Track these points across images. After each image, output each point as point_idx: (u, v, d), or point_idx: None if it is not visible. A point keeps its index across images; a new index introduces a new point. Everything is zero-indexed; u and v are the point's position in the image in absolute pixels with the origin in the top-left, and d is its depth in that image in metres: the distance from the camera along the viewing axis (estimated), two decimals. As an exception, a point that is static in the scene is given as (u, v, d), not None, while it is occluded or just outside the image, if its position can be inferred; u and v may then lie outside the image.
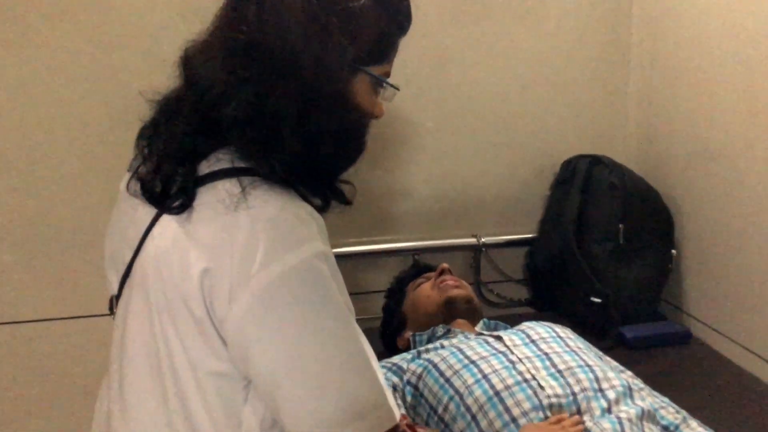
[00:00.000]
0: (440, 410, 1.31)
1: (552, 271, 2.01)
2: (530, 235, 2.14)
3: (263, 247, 0.84)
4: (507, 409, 1.22)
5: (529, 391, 1.24)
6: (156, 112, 0.99)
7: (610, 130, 2.18)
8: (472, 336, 1.48)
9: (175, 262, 0.89)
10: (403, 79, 1.99)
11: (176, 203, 0.90)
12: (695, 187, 1.91)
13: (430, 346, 1.48)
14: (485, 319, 1.61)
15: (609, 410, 1.21)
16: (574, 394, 1.23)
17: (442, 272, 1.70)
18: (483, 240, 2.13)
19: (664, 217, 1.96)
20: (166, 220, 0.92)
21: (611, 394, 1.24)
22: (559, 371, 1.28)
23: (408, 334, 1.66)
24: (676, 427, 1.34)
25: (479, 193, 2.15)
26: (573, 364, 1.30)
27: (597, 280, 1.89)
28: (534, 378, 1.26)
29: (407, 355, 1.48)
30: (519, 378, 1.26)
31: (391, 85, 1.03)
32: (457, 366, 1.33)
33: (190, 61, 0.96)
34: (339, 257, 2.01)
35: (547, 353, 1.33)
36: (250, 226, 0.85)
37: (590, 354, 1.36)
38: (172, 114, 0.96)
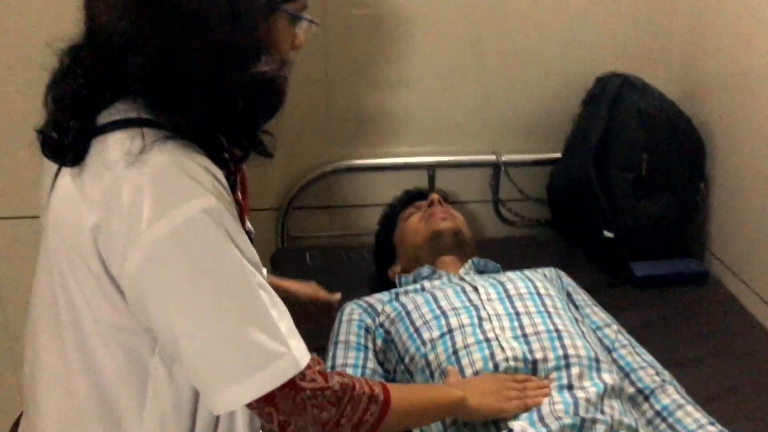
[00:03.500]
0: (407, 360, 1.29)
1: (570, 197, 1.92)
2: (555, 155, 2.03)
3: (149, 202, 0.83)
4: (461, 369, 1.19)
5: (487, 352, 1.20)
6: (59, 62, 0.94)
7: (653, 45, 1.99)
8: (456, 279, 1.44)
9: (69, 217, 0.89)
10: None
11: (69, 156, 0.89)
12: (733, 118, 1.75)
13: (410, 288, 1.45)
14: (474, 259, 1.55)
15: (569, 386, 1.17)
16: (534, 362, 1.19)
17: (432, 203, 1.64)
18: (504, 158, 2.03)
19: (694, 148, 1.82)
20: (63, 173, 0.91)
21: (575, 369, 1.18)
22: (525, 335, 1.23)
23: (397, 268, 1.63)
24: (652, 391, 1.29)
25: (502, 107, 2.03)
26: (542, 328, 1.25)
27: (612, 212, 1.79)
28: (497, 338, 1.22)
29: (384, 297, 1.45)
30: (481, 337, 1.23)
31: (310, 20, 0.97)
32: (428, 316, 1.30)
33: (91, 6, 0.89)
34: (352, 169, 2.01)
35: (519, 312, 1.28)
36: (136, 180, 0.84)
37: (565, 316, 1.30)
38: (72, 64, 0.92)
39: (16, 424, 1.11)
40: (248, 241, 0.92)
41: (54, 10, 1.80)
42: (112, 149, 0.86)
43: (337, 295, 1.48)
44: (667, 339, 1.60)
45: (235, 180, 1.01)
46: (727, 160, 1.78)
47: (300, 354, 0.89)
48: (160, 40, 0.85)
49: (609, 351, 1.37)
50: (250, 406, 0.89)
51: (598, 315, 1.45)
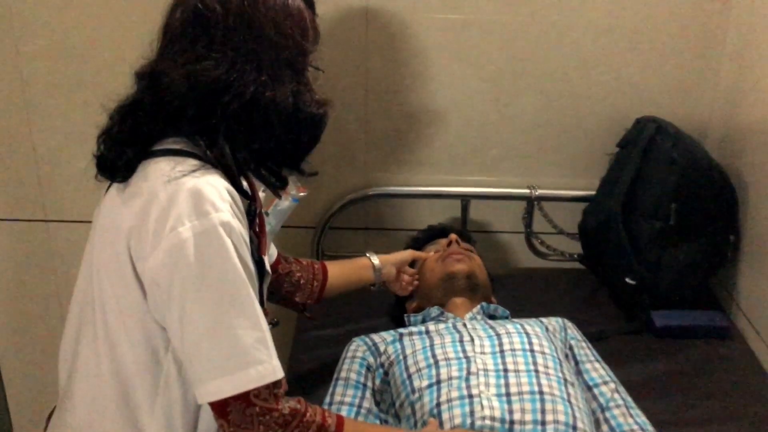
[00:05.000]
0: (397, 404, 1.35)
1: (598, 238, 1.92)
2: (590, 192, 2.02)
3: (175, 212, 0.99)
4: (442, 423, 1.24)
5: (467, 408, 1.24)
6: (112, 117, 1.12)
7: (696, 89, 1.95)
8: (459, 325, 1.48)
9: (111, 222, 1.07)
10: (466, 18, 1.89)
11: (119, 174, 1.07)
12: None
13: (414, 329, 1.50)
14: (484, 304, 1.59)
15: None
16: (512, 422, 1.22)
17: (450, 243, 1.68)
18: (538, 193, 2.04)
19: (727, 200, 1.78)
20: (111, 188, 1.11)
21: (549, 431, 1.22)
22: (509, 393, 1.27)
23: (414, 304, 1.68)
24: (635, 456, 1.30)
25: (540, 142, 2.04)
26: (526, 388, 1.27)
27: (636, 259, 1.78)
28: (480, 395, 1.26)
29: (389, 336, 1.51)
30: (465, 392, 1.27)
31: (319, 69, 1.17)
32: (422, 364, 1.36)
33: (157, 74, 1.07)
34: (388, 195, 2.06)
35: (507, 369, 1.31)
36: (170, 194, 1.00)
37: (554, 376, 1.31)
38: (128, 113, 1.09)
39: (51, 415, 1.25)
40: (250, 260, 1.06)
41: (113, 42, 1.94)
42: (154, 170, 1.04)
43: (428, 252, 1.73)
44: (679, 394, 1.58)
45: (256, 211, 1.16)
46: (761, 214, 1.74)
47: (278, 366, 1.03)
48: (257, 83, 1.04)
49: (602, 410, 1.38)
50: (212, 407, 1.02)
51: (598, 371, 1.46)
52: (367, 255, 1.65)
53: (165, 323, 1.04)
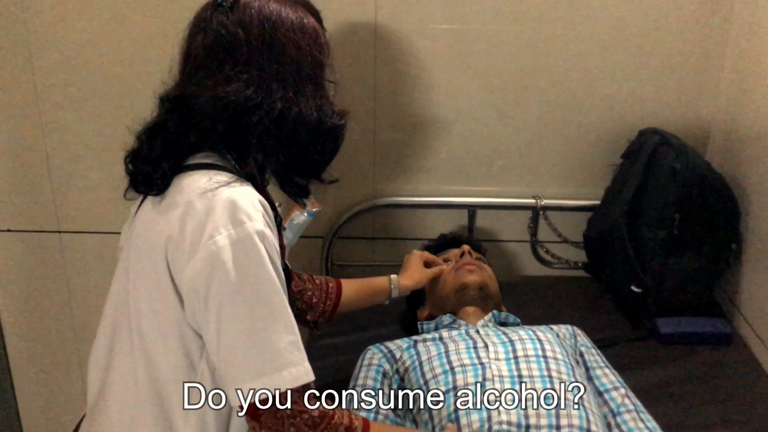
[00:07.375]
0: (414, 410, 1.39)
1: (602, 247, 1.96)
2: (594, 202, 2.06)
3: (212, 221, 1.03)
4: (460, 428, 1.28)
5: (485, 414, 1.28)
6: (140, 137, 1.16)
7: (697, 101, 1.99)
8: (472, 331, 1.52)
9: (148, 233, 1.10)
10: (474, 32, 1.94)
11: (155, 187, 1.12)
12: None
13: (428, 336, 1.54)
14: (495, 312, 1.63)
15: None
16: (528, 427, 1.26)
17: (463, 254, 1.72)
18: (543, 202, 2.09)
19: (729, 209, 1.82)
20: (146, 201, 1.15)
21: None
22: (524, 399, 1.31)
23: (425, 312, 1.72)
24: (645, 461, 1.34)
25: (544, 153, 2.08)
26: (541, 394, 1.32)
27: (641, 267, 1.82)
28: (496, 401, 1.30)
29: (404, 343, 1.54)
30: (481, 398, 1.31)
31: (332, 81, 1.23)
32: (438, 370, 1.39)
33: (186, 97, 1.12)
34: (396, 205, 2.10)
35: (522, 375, 1.35)
36: (207, 205, 1.05)
37: (568, 381, 1.35)
38: (156, 133, 1.13)
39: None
40: (281, 267, 1.10)
41: (126, 57, 1.98)
42: (190, 182, 1.08)
43: (443, 266, 1.74)
44: (683, 400, 1.62)
45: (280, 220, 1.21)
46: (762, 222, 1.79)
47: (310, 368, 1.08)
48: (284, 100, 1.11)
49: (613, 414, 1.42)
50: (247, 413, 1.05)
51: (608, 377, 1.50)
52: (390, 282, 1.67)
53: (201, 329, 1.08)
